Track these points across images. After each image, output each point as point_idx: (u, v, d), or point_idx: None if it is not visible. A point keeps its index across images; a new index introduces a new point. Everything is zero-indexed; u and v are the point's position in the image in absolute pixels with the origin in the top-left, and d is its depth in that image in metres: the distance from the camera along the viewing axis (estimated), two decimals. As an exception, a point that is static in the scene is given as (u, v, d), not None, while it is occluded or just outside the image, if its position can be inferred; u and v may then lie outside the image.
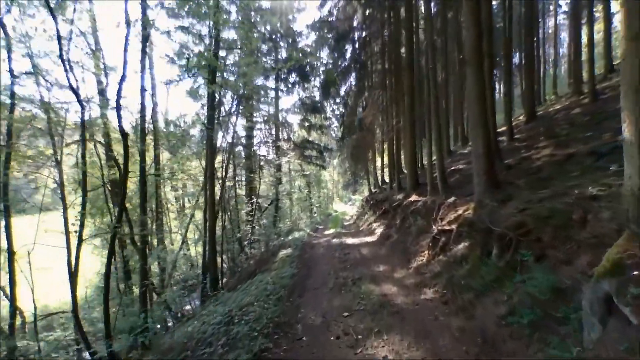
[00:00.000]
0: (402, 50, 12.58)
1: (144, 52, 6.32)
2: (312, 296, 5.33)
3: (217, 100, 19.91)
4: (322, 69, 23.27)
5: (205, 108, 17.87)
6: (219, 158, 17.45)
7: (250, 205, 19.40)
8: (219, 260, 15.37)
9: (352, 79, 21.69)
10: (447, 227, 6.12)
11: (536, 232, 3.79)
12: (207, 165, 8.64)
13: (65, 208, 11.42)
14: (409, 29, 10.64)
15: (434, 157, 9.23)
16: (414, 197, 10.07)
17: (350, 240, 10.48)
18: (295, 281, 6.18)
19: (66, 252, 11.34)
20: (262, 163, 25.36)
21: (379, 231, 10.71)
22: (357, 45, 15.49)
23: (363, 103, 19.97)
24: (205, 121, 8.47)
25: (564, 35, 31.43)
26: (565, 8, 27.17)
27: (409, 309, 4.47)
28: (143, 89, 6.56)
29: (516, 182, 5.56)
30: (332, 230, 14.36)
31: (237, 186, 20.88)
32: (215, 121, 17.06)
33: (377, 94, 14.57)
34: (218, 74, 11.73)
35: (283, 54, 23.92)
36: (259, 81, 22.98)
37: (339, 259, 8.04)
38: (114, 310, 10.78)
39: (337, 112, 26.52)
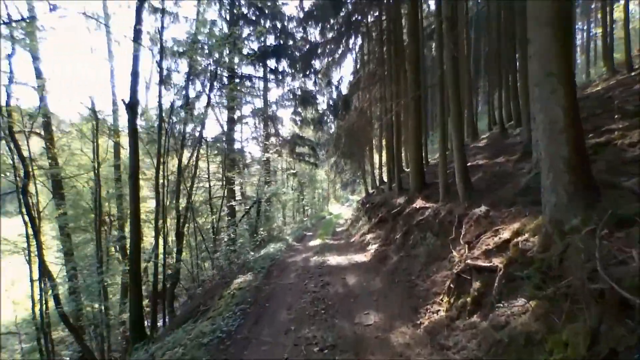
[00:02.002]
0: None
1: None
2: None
3: (189, 86, 17.17)
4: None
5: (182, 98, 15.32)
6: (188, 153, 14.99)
7: (229, 209, 16.92)
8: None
9: (347, 60, 19.17)
10: (483, 263, 3.54)
11: None
12: (130, 160, 6.12)
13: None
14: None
15: (450, 147, 6.67)
16: (419, 203, 7.50)
17: (335, 260, 7.91)
18: (218, 356, 3.59)
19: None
20: (248, 161, 22.93)
21: (373, 247, 8.13)
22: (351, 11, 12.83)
23: (359, 95, 17.37)
24: (129, 95, 5.93)
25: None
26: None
27: None
28: None
29: (621, 183, 2.98)
30: (317, 242, 11.79)
31: (221, 187, 18.32)
32: (181, 110, 14.38)
33: (372, 66, 11.95)
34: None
35: (271, 40, 21.51)
36: (245, 69, 20.54)
37: (313, 295, 5.47)
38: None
39: (332, 106, 23.95)
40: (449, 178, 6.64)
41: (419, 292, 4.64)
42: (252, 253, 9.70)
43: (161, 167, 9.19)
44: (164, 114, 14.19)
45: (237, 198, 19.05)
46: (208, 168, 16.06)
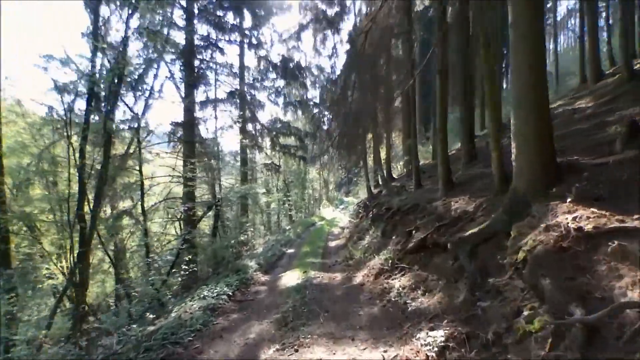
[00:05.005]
0: None
1: None
2: None
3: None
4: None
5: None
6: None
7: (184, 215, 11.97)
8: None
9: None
10: None
11: None
12: None
13: None
14: None
15: None
16: (588, 217, 2.42)
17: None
18: None
19: None
20: (222, 155, 17.81)
21: (434, 337, 2.97)
22: None
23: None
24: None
25: None
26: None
27: None
28: None
29: None
30: (295, 276, 6.65)
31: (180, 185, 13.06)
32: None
33: None
34: None
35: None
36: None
37: None
38: None
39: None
40: None
41: None
42: (163, 315, 4.56)
43: None
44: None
45: (213, 201, 13.91)
46: (140, 159, 10.73)
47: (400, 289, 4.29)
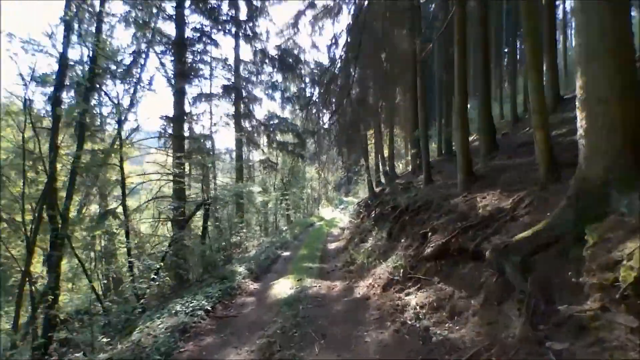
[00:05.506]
0: None
1: None
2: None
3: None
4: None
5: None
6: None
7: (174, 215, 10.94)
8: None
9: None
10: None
11: None
12: None
13: None
14: None
15: None
16: None
17: None
18: None
19: None
20: (217, 151, 16.98)
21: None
22: None
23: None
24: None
25: None
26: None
27: None
28: None
29: None
30: (288, 284, 5.72)
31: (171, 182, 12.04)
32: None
33: None
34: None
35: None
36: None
37: None
38: None
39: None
40: None
41: None
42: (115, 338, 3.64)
43: None
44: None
45: (203, 200, 12.94)
46: (121, 153, 9.75)
47: (418, 307, 3.35)
